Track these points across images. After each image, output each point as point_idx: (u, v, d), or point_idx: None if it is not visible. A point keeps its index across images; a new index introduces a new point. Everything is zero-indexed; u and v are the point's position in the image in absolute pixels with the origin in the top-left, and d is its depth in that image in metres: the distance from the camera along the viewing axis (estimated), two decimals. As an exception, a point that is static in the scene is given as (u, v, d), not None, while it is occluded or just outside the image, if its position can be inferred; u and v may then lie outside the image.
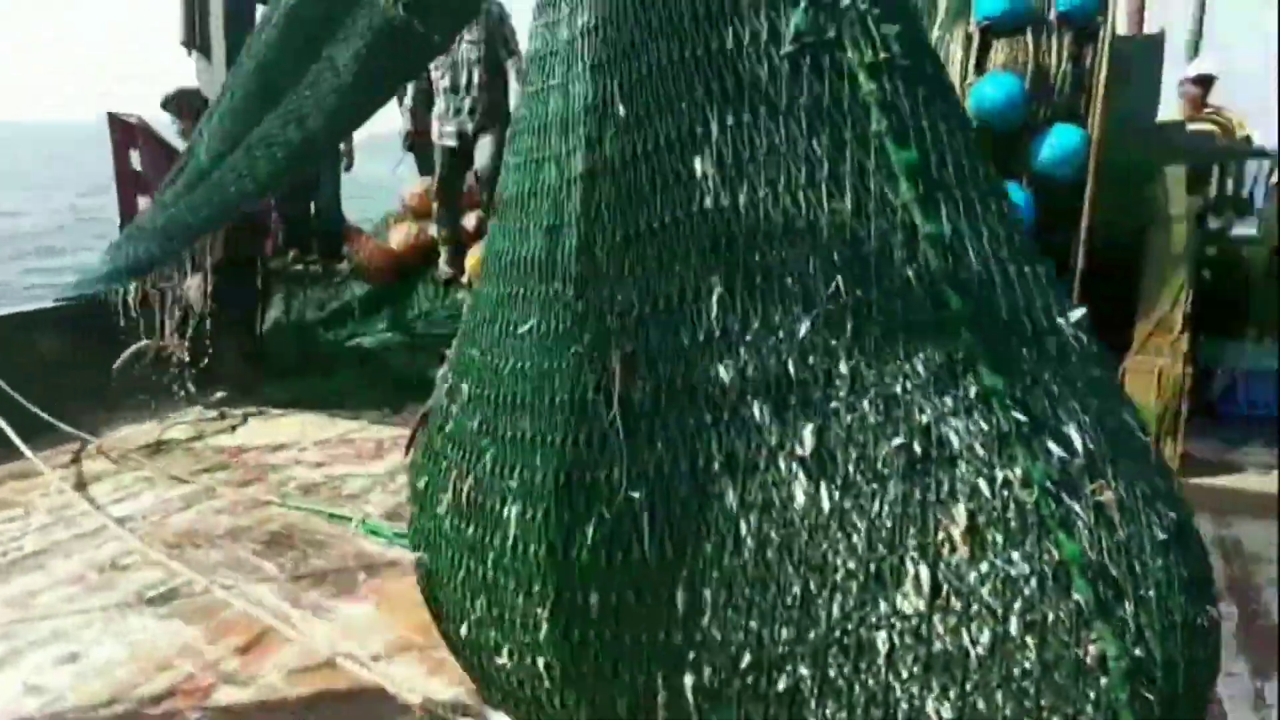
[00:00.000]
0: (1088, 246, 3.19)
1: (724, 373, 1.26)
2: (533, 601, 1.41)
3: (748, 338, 1.25)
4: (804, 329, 1.21)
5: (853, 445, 1.18)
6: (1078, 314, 1.28)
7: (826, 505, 1.18)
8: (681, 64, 1.31)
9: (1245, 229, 4.34)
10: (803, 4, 1.25)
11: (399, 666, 2.02)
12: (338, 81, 2.03)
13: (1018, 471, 1.12)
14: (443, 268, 4.91)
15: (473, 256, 4.68)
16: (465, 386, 1.64)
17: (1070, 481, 1.13)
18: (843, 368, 1.21)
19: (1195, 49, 5.57)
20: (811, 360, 1.22)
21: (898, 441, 1.16)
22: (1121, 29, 4.66)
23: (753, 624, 1.21)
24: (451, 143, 4.71)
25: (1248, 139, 5.08)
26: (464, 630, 1.58)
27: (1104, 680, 1.06)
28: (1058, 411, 1.18)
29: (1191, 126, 4.29)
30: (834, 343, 1.20)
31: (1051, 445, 1.14)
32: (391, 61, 2.01)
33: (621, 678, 1.34)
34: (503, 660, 1.50)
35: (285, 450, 3.64)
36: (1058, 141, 3.19)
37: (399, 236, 5.18)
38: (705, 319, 1.27)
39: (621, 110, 1.35)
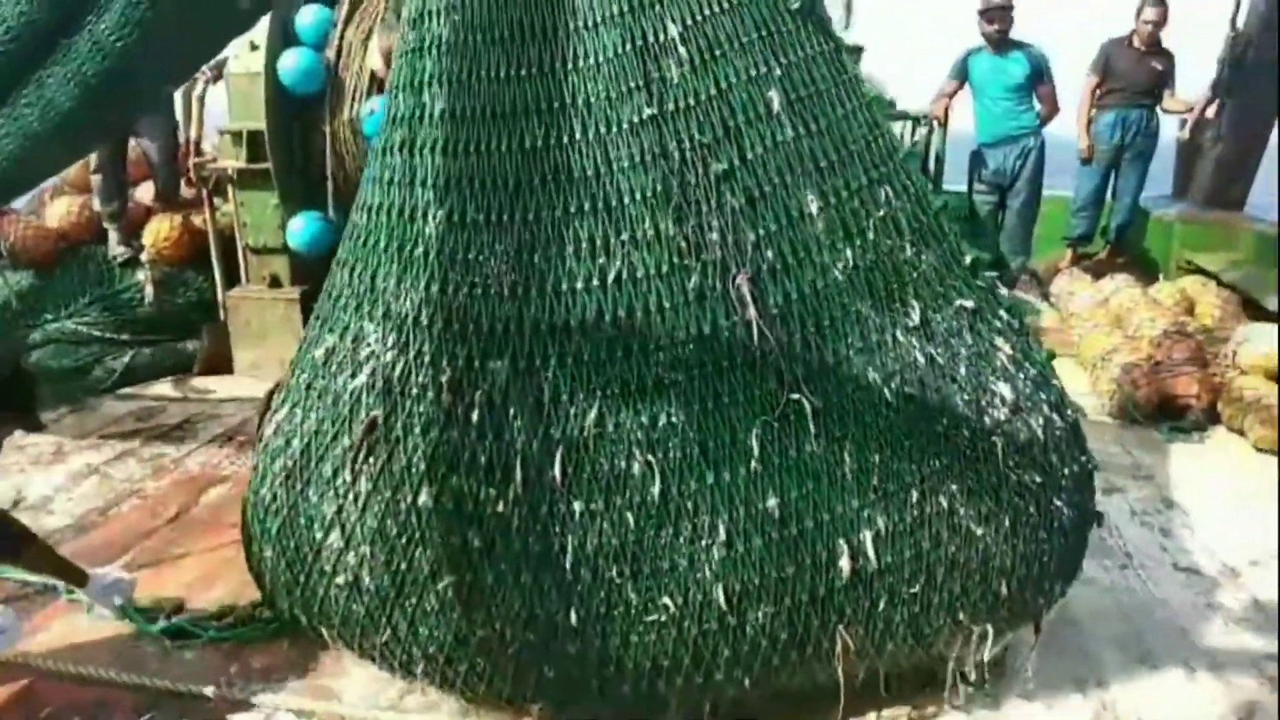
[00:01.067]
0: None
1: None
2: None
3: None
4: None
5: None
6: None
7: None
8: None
9: None
10: None
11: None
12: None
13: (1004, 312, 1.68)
14: (114, 247, 4.29)
15: (152, 232, 4.24)
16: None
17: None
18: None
19: (847, 23, 6.06)
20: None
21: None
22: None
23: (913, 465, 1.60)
24: None
25: (891, 102, 5.55)
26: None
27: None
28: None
29: None
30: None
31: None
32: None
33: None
34: (386, 633, 1.68)
35: None
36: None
37: (57, 213, 4.39)
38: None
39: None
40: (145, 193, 4.55)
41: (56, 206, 4.47)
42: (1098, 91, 5.25)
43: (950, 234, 1.66)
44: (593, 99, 1.54)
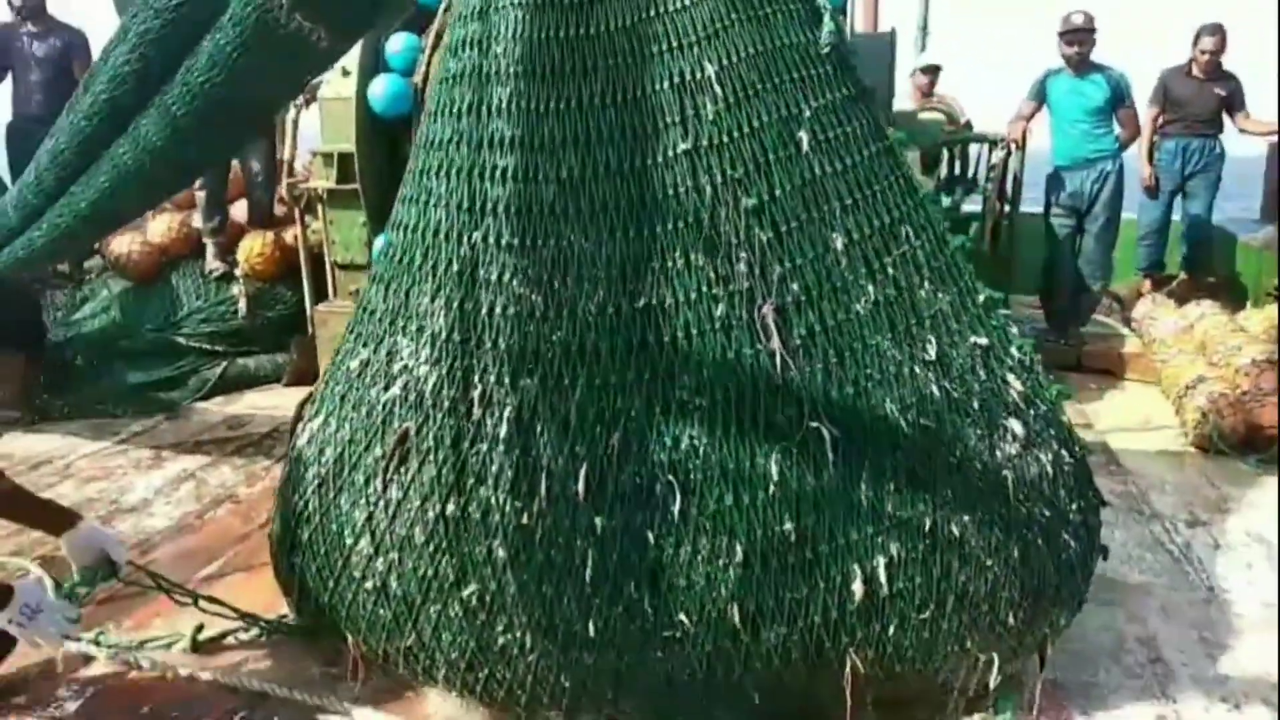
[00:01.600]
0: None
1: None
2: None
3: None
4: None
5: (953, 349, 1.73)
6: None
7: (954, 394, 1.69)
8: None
9: (973, 205, 4.84)
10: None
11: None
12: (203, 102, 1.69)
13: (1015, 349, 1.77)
14: (211, 261, 4.55)
15: (246, 249, 4.45)
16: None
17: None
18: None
19: (923, 44, 6.14)
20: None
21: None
22: (859, 27, 5.27)
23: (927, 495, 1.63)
24: None
25: (968, 124, 5.72)
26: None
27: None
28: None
29: (922, 115, 4.75)
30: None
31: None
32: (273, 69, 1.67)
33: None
34: (411, 638, 1.74)
35: (48, 465, 3.37)
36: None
37: (159, 228, 4.64)
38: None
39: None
40: (240, 211, 4.78)
41: (158, 222, 4.73)
42: (1159, 120, 5.27)
43: (966, 273, 1.72)
44: (628, 133, 1.61)
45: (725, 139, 1.60)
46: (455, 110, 1.71)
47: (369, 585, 1.83)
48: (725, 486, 1.60)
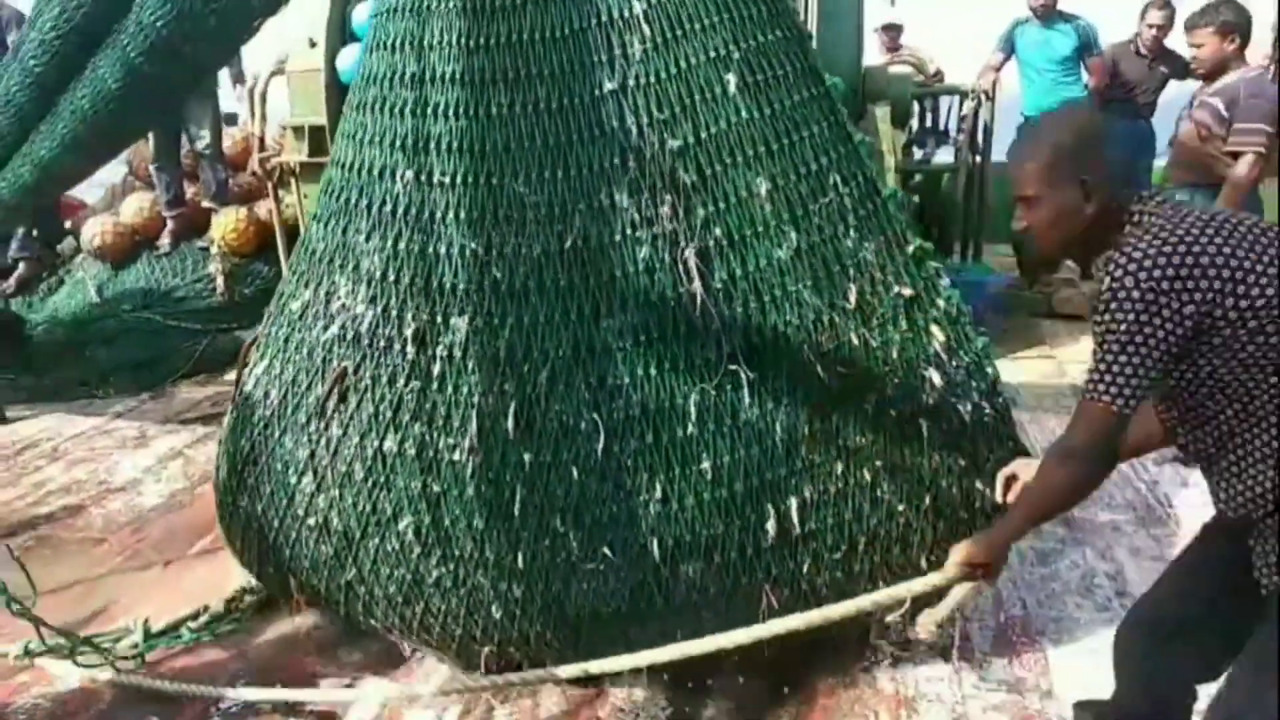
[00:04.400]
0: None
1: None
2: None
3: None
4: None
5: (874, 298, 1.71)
6: None
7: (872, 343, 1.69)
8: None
9: (944, 157, 4.87)
10: None
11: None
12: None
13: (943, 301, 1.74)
14: (164, 237, 4.59)
15: (221, 226, 4.45)
16: None
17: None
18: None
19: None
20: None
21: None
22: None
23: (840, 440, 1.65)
24: None
25: (939, 74, 5.61)
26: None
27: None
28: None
29: (892, 69, 4.69)
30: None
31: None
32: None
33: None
34: (351, 572, 1.78)
35: (34, 449, 3.41)
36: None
37: (131, 210, 4.66)
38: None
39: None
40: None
41: (130, 204, 4.73)
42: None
43: (895, 223, 1.74)
44: (558, 70, 1.61)
45: (652, 79, 1.60)
46: (390, 44, 1.71)
47: (311, 522, 1.88)
48: (646, 425, 1.64)
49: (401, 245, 1.74)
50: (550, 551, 1.72)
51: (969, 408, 1.74)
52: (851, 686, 1.88)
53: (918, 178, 4.61)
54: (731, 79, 1.60)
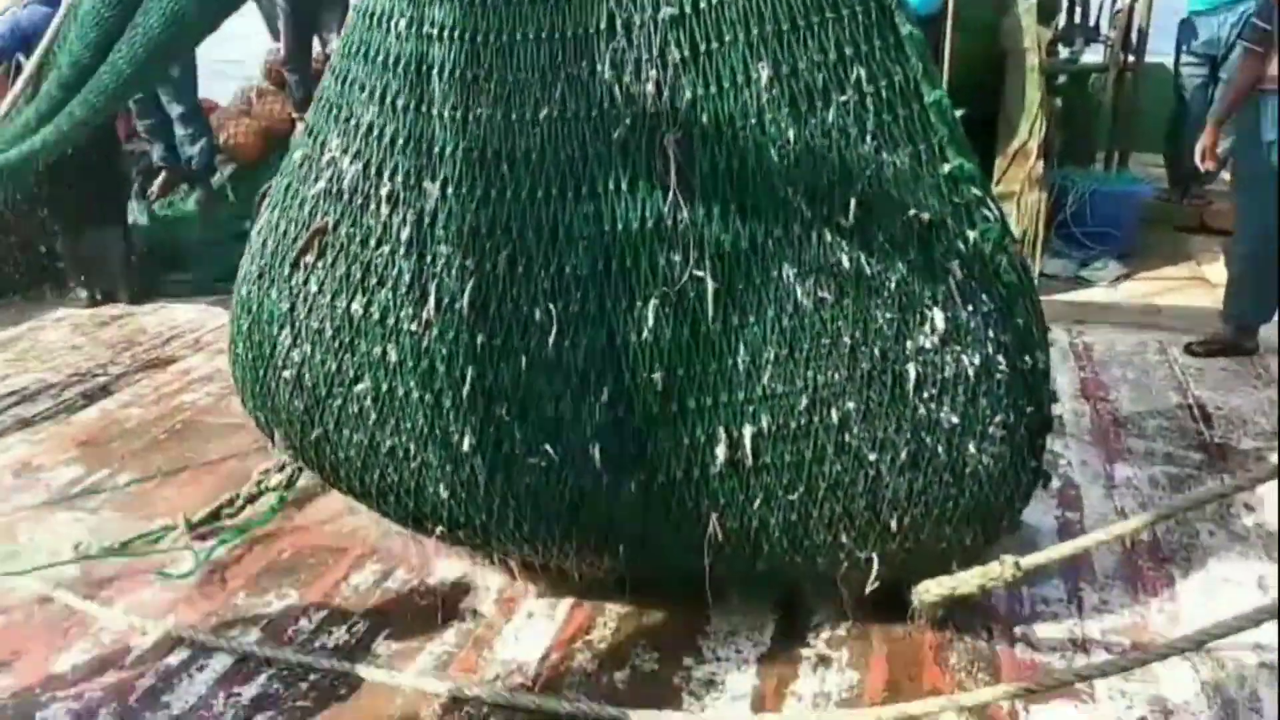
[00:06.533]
0: (949, 82, 3.16)
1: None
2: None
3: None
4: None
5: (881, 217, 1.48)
6: None
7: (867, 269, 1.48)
8: None
9: (1093, 56, 4.52)
10: None
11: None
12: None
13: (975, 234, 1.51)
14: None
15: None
16: None
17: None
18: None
19: None
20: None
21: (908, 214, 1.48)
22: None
23: (809, 372, 1.50)
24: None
25: None
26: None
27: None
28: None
29: None
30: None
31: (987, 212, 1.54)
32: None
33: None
34: (318, 430, 1.78)
35: (179, 339, 3.53)
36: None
37: (262, 111, 4.84)
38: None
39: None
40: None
41: (261, 105, 4.92)
42: None
43: (936, 135, 1.49)
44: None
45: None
46: None
47: (286, 375, 1.89)
48: (600, 325, 1.53)
49: (388, 100, 1.65)
50: (494, 438, 1.66)
51: (976, 359, 1.52)
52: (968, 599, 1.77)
53: (1063, 78, 4.25)
54: None
